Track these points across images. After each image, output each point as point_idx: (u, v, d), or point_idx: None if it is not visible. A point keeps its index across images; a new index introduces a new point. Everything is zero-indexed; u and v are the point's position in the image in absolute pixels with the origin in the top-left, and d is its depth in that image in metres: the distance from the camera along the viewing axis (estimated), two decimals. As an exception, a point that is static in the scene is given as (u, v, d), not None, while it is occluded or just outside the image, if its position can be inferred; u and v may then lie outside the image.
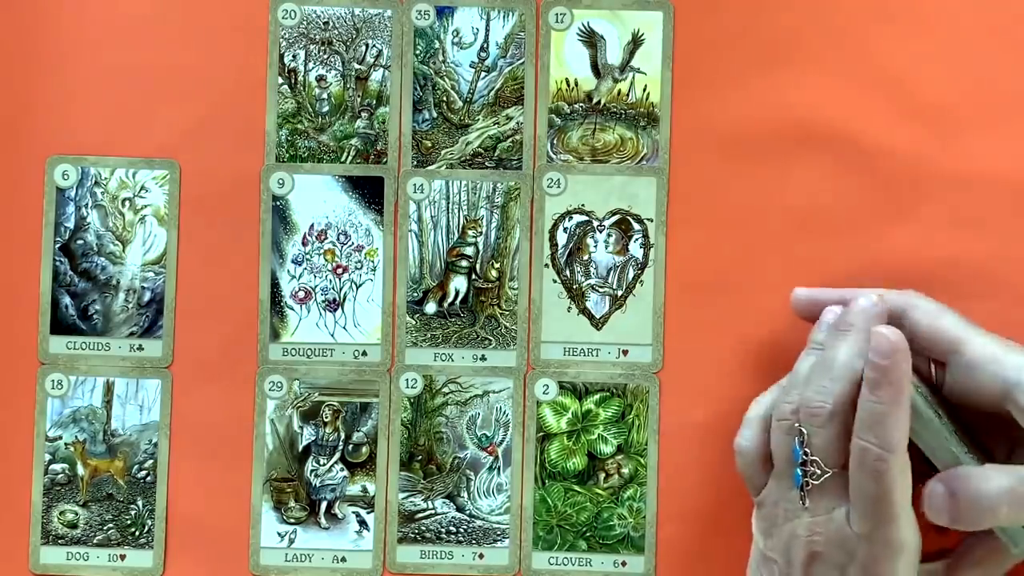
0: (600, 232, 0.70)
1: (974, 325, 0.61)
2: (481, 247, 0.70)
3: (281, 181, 0.71)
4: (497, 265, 0.70)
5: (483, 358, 0.70)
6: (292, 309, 0.70)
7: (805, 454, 0.58)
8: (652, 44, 0.70)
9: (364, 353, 0.70)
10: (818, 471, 0.58)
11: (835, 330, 0.60)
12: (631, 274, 0.70)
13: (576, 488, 0.70)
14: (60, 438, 0.70)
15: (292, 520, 0.70)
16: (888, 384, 0.57)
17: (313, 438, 0.70)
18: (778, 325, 0.68)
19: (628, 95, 0.70)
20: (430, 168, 0.70)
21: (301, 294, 0.70)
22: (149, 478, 0.70)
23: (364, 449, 0.70)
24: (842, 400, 0.58)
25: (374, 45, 0.71)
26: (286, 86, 0.71)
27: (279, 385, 0.70)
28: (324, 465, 0.70)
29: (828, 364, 0.59)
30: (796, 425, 0.59)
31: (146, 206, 0.71)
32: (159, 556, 0.70)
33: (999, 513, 0.57)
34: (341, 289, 0.70)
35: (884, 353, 0.57)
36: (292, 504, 0.70)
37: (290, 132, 0.71)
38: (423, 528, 0.70)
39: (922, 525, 0.58)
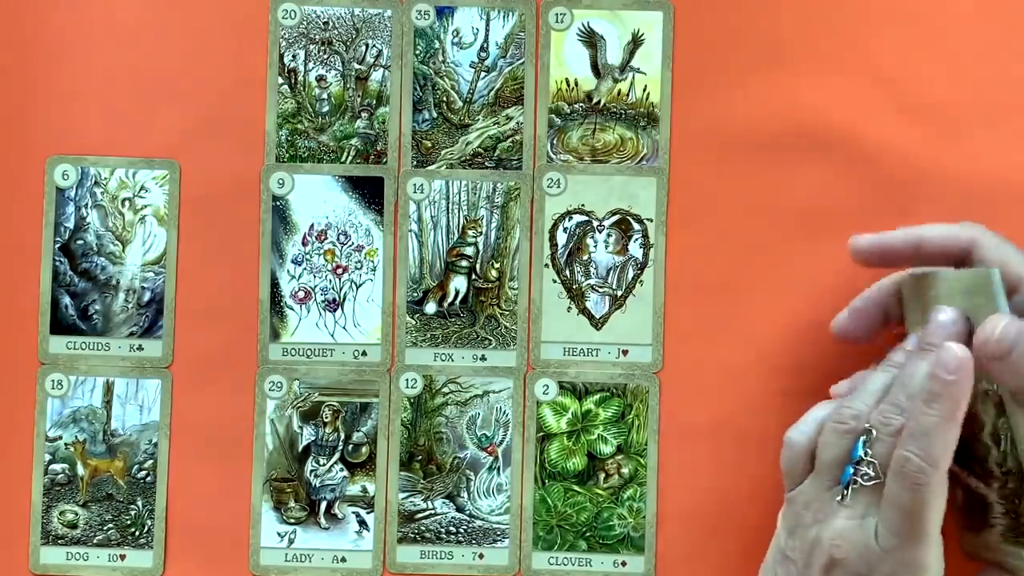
0: (600, 232, 0.70)
1: None
2: (481, 247, 0.70)
3: (281, 181, 0.71)
4: (497, 265, 0.70)
5: (483, 358, 0.70)
6: (292, 309, 0.70)
7: (865, 454, 0.58)
8: (652, 44, 0.70)
9: (364, 353, 0.70)
10: (871, 473, 0.58)
11: (918, 351, 0.60)
12: (631, 274, 0.70)
13: (576, 488, 0.70)
14: (60, 438, 0.70)
15: (292, 520, 0.70)
16: (947, 399, 0.57)
17: (313, 438, 0.70)
18: (778, 325, 0.68)
19: (628, 95, 0.70)
20: (430, 168, 0.70)
21: (301, 294, 0.70)
22: (149, 478, 0.70)
23: (364, 449, 0.70)
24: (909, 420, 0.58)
25: (374, 45, 0.71)
26: (286, 86, 0.71)
27: (279, 385, 0.70)
28: (324, 465, 0.70)
29: (906, 384, 0.59)
30: (868, 426, 0.59)
31: (146, 206, 0.71)
32: (159, 556, 0.70)
33: None
34: (341, 289, 0.70)
35: (949, 369, 0.57)
36: (292, 504, 0.70)
37: (290, 132, 0.71)
38: (423, 528, 0.70)
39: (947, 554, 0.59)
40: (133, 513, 0.70)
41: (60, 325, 0.70)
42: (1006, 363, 0.57)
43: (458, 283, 0.70)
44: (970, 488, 0.61)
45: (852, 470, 0.58)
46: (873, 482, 0.58)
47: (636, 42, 0.70)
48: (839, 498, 0.59)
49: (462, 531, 0.70)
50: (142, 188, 0.71)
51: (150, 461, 0.70)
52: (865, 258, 0.63)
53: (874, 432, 0.58)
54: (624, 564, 0.69)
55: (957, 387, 0.57)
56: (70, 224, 0.71)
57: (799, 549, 0.60)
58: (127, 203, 0.71)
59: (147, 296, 0.70)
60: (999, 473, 0.60)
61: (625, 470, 0.70)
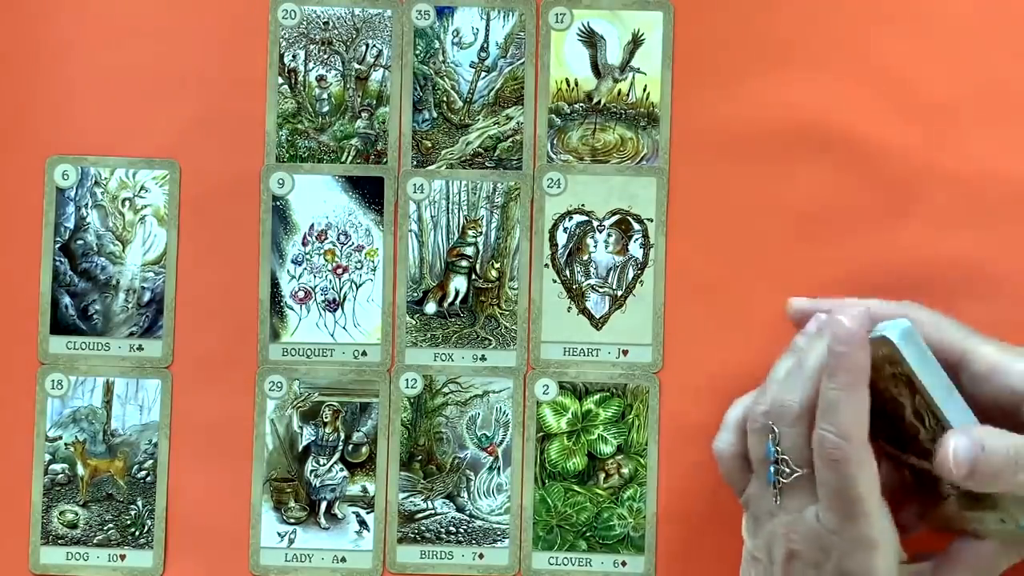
0: (600, 232, 0.70)
1: (975, 332, 0.61)
2: (481, 247, 0.70)
3: (281, 181, 0.71)
4: (497, 265, 0.70)
5: (483, 358, 0.70)
6: (292, 309, 0.70)
7: (776, 452, 0.58)
8: (652, 44, 0.70)
9: (364, 353, 0.70)
10: (787, 470, 0.58)
11: (815, 334, 0.60)
12: (631, 274, 0.70)
13: (576, 488, 0.70)
14: (60, 438, 0.70)
15: (292, 520, 0.70)
16: (844, 371, 0.56)
17: (313, 438, 0.70)
18: (778, 325, 0.68)
19: (628, 95, 0.70)
20: (430, 168, 0.70)
21: (301, 294, 0.70)
22: (149, 478, 0.70)
23: (364, 449, 0.70)
24: (811, 400, 0.58)
25: (374, 45, 0.71)
26: (286, 86, 0.71)
27: (279, 385, 0.70)
28: (324, 465, 0.70)
29: (801, 366, 0.59)
30: (768, 424, 0.59)
31: (146, 206, 0.71)
32: (159, 556, 0.70)
33: (1019, 476, 0.56)
34: (341, 289, 0.70)
35: (841, 340, 0.57)
36: (292, 504, 0.70)
37: (290, 132, 0.71)
38: (423, 528, 0.70)
39: (904, 524, 0.59)
40: (133, 513, 0.70)
41: (60, 325, 0.70)
42: (975, 481, 0.56)
43: (458, 283, 0.70)
44: (915, 467, 0.61)
45: (773, 470, 0.59)
46: (795, 476, 0.58)
47: (636, 42, 0.70)
48: (774, 500, 0.59)
49: (462, 531, 0.70)
50: (142, 188, 0.71)
51: (150, 461, 0.70)
52: (797, 320, 0.64)
53: (776, 429, 0.58)
54: (624, 564, 0.69)
55: (851, 358, 0.56)
56: (70, 224, 0.71)
57: (761, 548, 0.60)
58: (127, 203, 0.71)
59: (147, 296, 0.70)
60: (935, 448, 0.59)
61: (625, 470, 0.70)
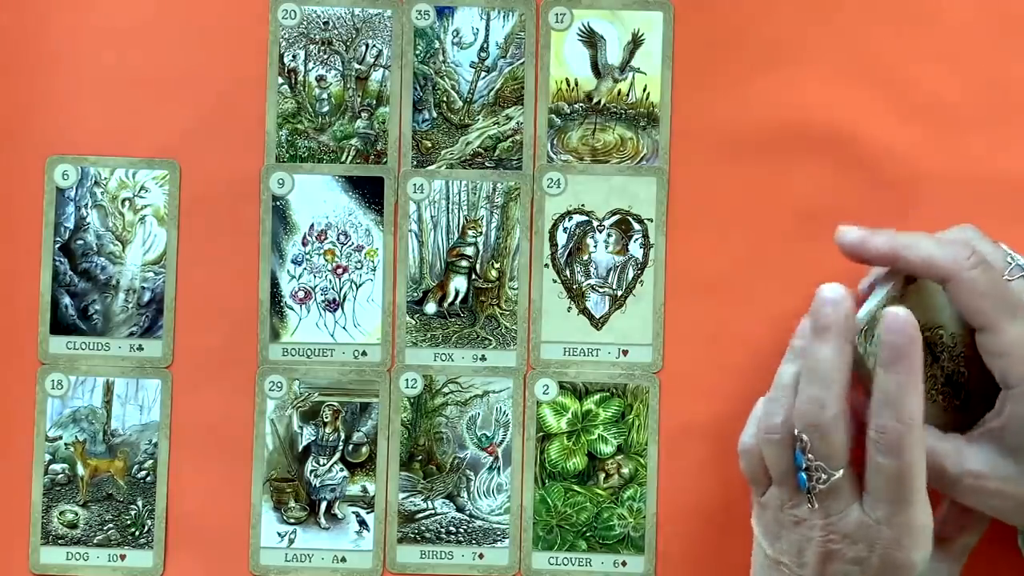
0: (600, 232, 0.70)
1: (1014, 307, 0.61)
2: (481, 247, 0.70)
3: (281, 181, 0.71)
4: (497, 265, 0.70)
5: (483, 358, 0.70)
6: (292, 309, 0.70)
7: (808, 460, 0.58)
8: (652, 44, 0.70)
9: (364, 353, 0.70)
10: (824, 475, 0.58)
11: (813, 335, 0.60)
12: (631, 274, 0.70)
13: (576, 488, 0.70)
14: (60, 438, 0.70)
15: (292, 520, 0.70)
16: (905, 358, 0.57)
17: (313, 438, 0.70)
18: (778, 325, 0.68)
19: (628, 95, 0.70)
20: (430, 168, 0.70)
21: (301, 294, 0.70)
22: (149, 478, 0.70)
23: (364, 449, 0.70)
24: (838, 404, 0.58)
25: (374, 45, 0.71)
26: (286, 86, 0.71)
27: (279, 385, 0.70)
28: (324, 465, 0.70)
29: (813, 371, 0.59)
30: (796, 433, 0.59)
31: (146, 206, 0.71)
32: (159, 556, 0.70)
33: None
34: (341, 289, 0.70)
35: (899, 331, 0.57)
36: (292, 504, 0.70)
37: (290, 132, 0.71)
38: (423, 528, 0.70)
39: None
40: (133, 513, 0.70)
41: (60, 325, 0.70)
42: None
43: (458, 283, 0.70)
44: None
45: (805, 476, 0.59)
46: (830, 482, 0.58)
47: (636, 42, 0.70)
48: (809, 505, 0.59)
49: (462, 531, 0.70)
50: (142, 188, 0.71)
51: (150, 461, 0.70)
52: (846, 252, 0.63)
53: (804, 438, 0.58)
54: (624, 564, 0.69)
55: (911, 345, 0.57)
56: (70, 224, 0.71)
57: (788, 552, 0.60)
58: (127, 203, 0.71)
59: (147, 296, 0.70)
60: None
61: (625, 470, 0.70)
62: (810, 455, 0.58)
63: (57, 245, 0.70)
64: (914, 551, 0.58)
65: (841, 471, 0.58)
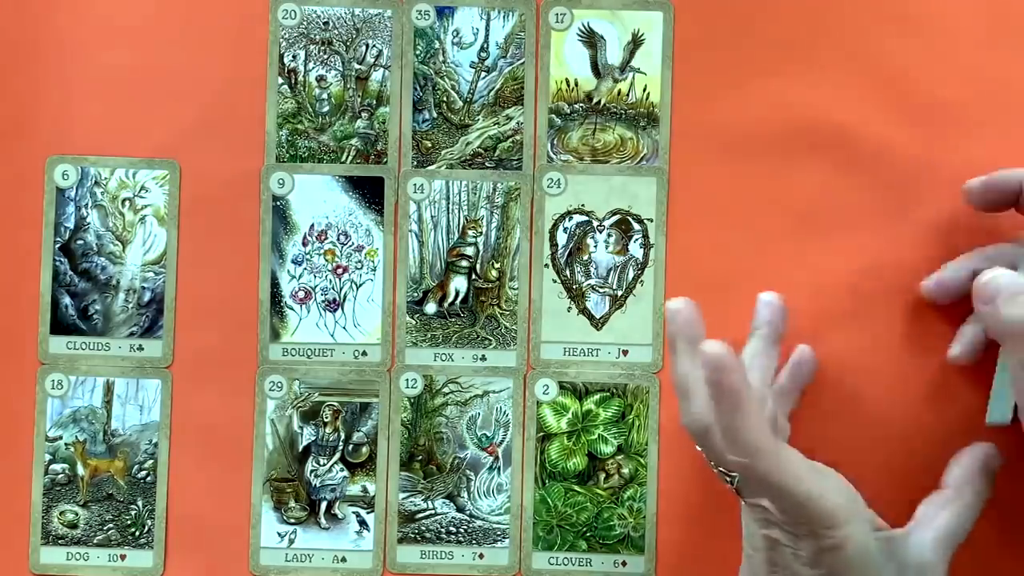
0: (600, 232, 0.70)
1: None
2: (481, 247, 0.70)
3: (281, 181, 0.71)
4: (497, 265, 0.70)
5: (483, 358, 0.70)
6: (292, 309, 0.70)
7: (712, 466, 0.60)
8: (652, 44, 0.70)
9: (364, 353, 0.70)
10: (727, 477, 0.59)
11: (670, 352, 0.61)
12: (631, 274, 0.70)
13: (576, 488, 0.70)
14: (60, 438, 0.70)
15: (292, 520, 0.70)
16: (725, 394, 0.57)
17: (313, 438, 0.70)
18: (778, 325, 0.68)
19: (628, 95, 0.70)
20: (430, 168, 0.70)
21: (301, 294, 0.70)
22: (149, 478, 0.70)
23: (364, 449, 0.70)
24: (707, 413, 0.58)
25: (374, 45, 0.71)
26: (286, 86, 0.71)
27: (279, 385, 0.70)
28: (324, 465, 0.70)
29: (677, 386, 0.60)
30: (697, 447, 0.60)
31: (146, 206, 0.71)
32: (159, 556, 0.70)
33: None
34: (341, 289, 0.70)
35: (714, 368, 0.57)
36: (292, 504, 0.70)
37: (290, 132, 0.71)
38: (423, 528, 0.70)
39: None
40: (133, 513, 0.70)
41: (60, 325, 0.70)
42: (991, 308, 0.58)
43: (458, 283, 0.70)
44: None
45: (726, 480, 0.59)
46: (735, 483, 0.59)
47: (636, 42, 0.70)
48: (742, 503, 0.60)
49: (462, 531, 0.70)
50: (142, 188, 0.71)
51: (150, 461, 0.70)
52: (974, 199, 0.66)
53: (698, 448, 0.60)
54: (624, 564, 0.69)
55: (728, 379, 0.57)
56: (70, 224, 0.71)
57: (749, 541, 0.61)
58: (127, 203, 0.71)
59: (147, 296, 0.70)
60: None
61: (625, 470, 0.70)
62: (712, 462, 0.59)
63: (57, 245, 0.70)
64: (797, 481, 0.57)
65: (735, 474, 0.58)
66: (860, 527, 0.59)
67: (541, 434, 0.70)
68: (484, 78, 0.71)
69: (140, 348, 0.70)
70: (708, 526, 0.69)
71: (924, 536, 0.62)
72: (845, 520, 0.58)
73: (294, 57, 0.71)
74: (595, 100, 0.70)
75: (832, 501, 0.58)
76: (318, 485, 0.70)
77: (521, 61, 0.71)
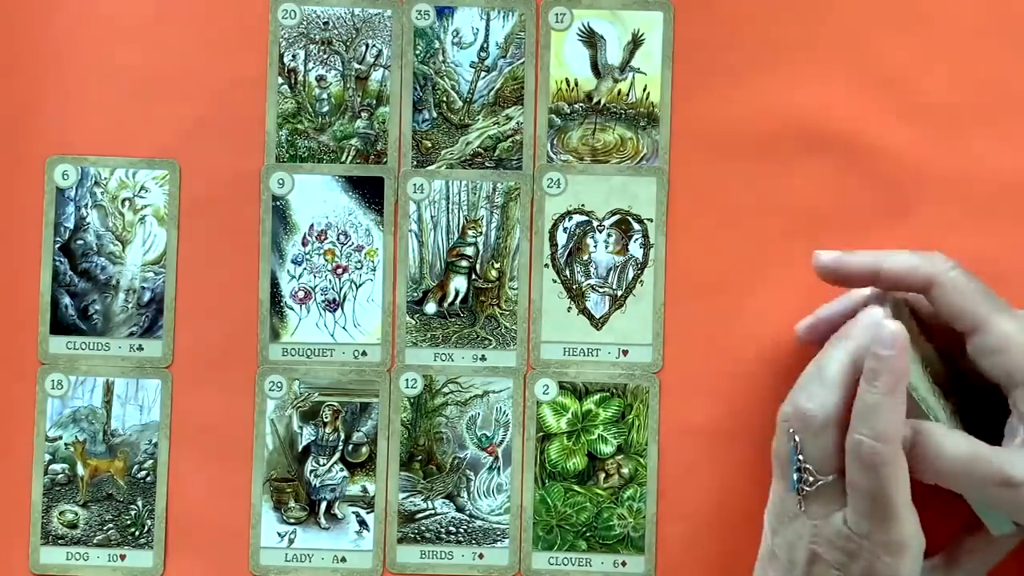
0: (600, 232, 0.70)
1: (1003, 305, 0.60)
2: (481, 247, 0.70)
3: (281, 181, 0.71)
4: (497, 265, 0.70)
5: (483, 358, 0.70)
6: (292, 309, 0.70)
7: (799, 460, 0.58)
8: (652, 44, 0.70)
9: (364, 353, 0.70)
10: (810, 478, 0.58)
11: (835, 337, 0.60)
12: (631, 274, 0.70)
13: (576, 488, 0.70)
14: (60, 438, 0.70)
15: (292, 520, 0.70)
16: (887, 372, 0.56)
17: (313, 438, 0.70)
18: (778, 325, 0.68)
19: (628, 95, 0.70)
20: (430, 168, 0.70)
21: (301, 294, 0.70)
22: (149, 478, 0.70)
23: (364, 449, 0.70)
24: (835, 409, 0.58)
25: (374, 45, 0.71)
26: (286, 86, 0.71)
27: (279, 385, 0.70)
28: (324, 465, 0.70)
29: (821, 370, 0.59)
30: (790, 431, 0.59)
31: (146, 206, 0.71)
32: (159, 556, 0.70)
33: (957, 480, 0.58)
34: (341, 289, 0.70)
35: (886, 344, 0.57)
36: (292, 504, 0.70)
37: (290, 132, 0.71)
38: (423, 528, 0.70)
39: (926, 520, 0.58)
40: (133, 513, 0.70)
41: (60, 325, 0.70)
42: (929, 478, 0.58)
43: (458, 283, 0.70)
44: None
45: (796, 477, 0.58)
46: (819, 484, 0.58)
47: (636, 42, 0.70)
48: (798, 505, 0.59)
49: (462, 531, 0.70)
50: (142, 188, 0.71)
51: (150, 461, 0.70)
52: (824, 275, 0.63)
53: (797, 438, 0.58)
54: (624, 564, 0.69)
55: (896, 360, 0.56)
56: (70, 224, 0.71)
57: (782, 547, 0.60)
58: (127, 203, 0.71)
59: (147, 296, 0.70)
60: None
61: (625, 470, 0.70)
62: (800, 455, 0.58)
63: (57, 245, 0.70)
64: (899, 567, 0.57)
65: (831, 477, 0.58)
66: (918, 559, 0.58)
67: (541, 434, 0.70)
68: (484, 78, 0.71)
69: (140, 348, 0.70)
70: (708, 526, 0.69)
71: (960, 562, 0.62)
72: (912, 550, 0.57)
73: (294, 57, 0.71)
74: (595, 100, 0.70)
75: (910, 528, 0.57)
76: (318, 485, 0.70)
77: (521, 61, 0.71)
